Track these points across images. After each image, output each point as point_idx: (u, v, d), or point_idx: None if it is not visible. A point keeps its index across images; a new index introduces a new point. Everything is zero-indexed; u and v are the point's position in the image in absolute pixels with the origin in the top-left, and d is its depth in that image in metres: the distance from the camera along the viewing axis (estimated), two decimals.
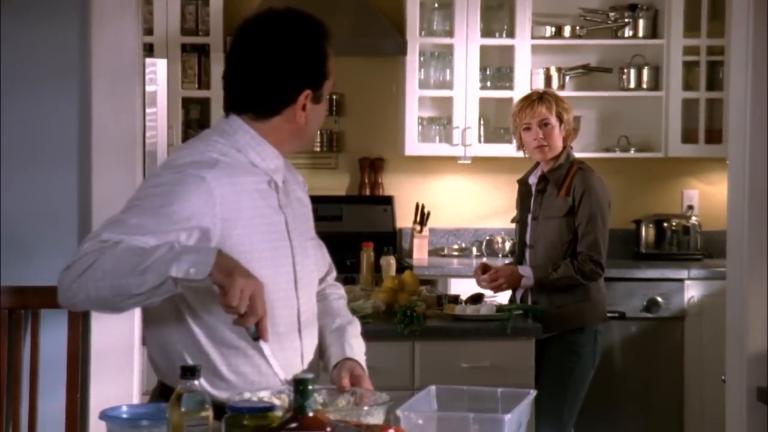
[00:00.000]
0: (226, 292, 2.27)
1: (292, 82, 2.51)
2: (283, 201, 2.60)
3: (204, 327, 2.52)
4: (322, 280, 2.82)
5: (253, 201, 2.52)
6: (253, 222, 2.50)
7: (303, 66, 2.50)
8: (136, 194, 2.52)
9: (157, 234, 2.38)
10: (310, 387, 2.01)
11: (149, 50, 6.22)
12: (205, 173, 2.44)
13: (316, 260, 2.73)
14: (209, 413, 2.09)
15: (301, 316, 2.60)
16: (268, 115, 2.54)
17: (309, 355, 2.64)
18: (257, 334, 2.35)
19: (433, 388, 2.36)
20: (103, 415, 2.24)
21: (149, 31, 6.23)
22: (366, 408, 2.25)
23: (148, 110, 4.67)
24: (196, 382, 2.09)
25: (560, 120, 4.64)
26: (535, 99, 4.68)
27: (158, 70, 4.70)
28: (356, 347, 2.67)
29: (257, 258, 2.47)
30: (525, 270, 4.64)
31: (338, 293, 2.86)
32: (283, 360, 2.47)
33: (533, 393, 2.32)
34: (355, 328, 2.75)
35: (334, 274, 2.88)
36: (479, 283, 4.77)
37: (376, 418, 2.25)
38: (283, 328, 2.55)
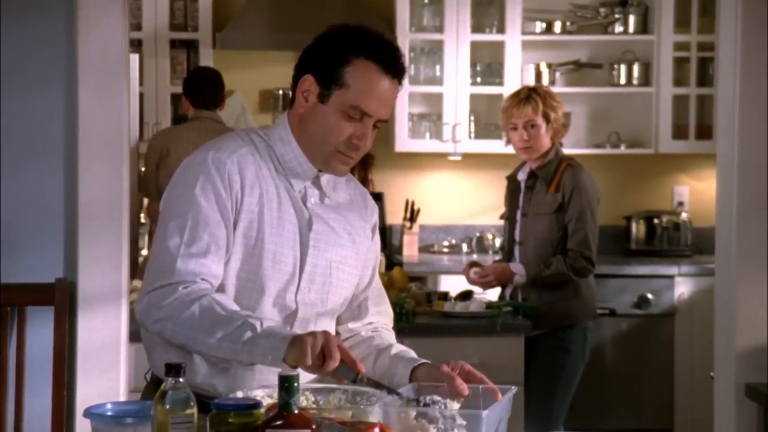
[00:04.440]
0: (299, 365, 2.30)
1: (302, 64, 2.53)
2: (310, 203, 2.55)
3: None
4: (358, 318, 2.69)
5: (267, 184, 2.51)
6: (266, 205, 2.50)
7: (314, 52, 2.51)
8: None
9: (218, 242, 2.43)
10: (295, 384, 2.00)
11: (138, 46, 6.21)
12: (224, 157, 2.47)
13: (342, 284, 2.60)
14: (194, 410, 2.07)
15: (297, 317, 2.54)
16: (292, 101, 2.56)
17: None
18: (353, 376, 2.30)
19: (413, 384, 2.36)
20: (88, 413, 2.23)
21: (138, 27, 6.22)
22: (362, 407, 2.23)
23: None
24: (181, 380, 2.08)
25: (547, 119, 4.62)
26: (522, 99, 4.65)
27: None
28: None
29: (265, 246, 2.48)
30: (517, 267, 4.62)
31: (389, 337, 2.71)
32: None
33: (514, 389, 2.31)
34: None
35: (381, 319, 2.72)
36: (469, 280, 4.77)
37: (376, 416, 2.23)
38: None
